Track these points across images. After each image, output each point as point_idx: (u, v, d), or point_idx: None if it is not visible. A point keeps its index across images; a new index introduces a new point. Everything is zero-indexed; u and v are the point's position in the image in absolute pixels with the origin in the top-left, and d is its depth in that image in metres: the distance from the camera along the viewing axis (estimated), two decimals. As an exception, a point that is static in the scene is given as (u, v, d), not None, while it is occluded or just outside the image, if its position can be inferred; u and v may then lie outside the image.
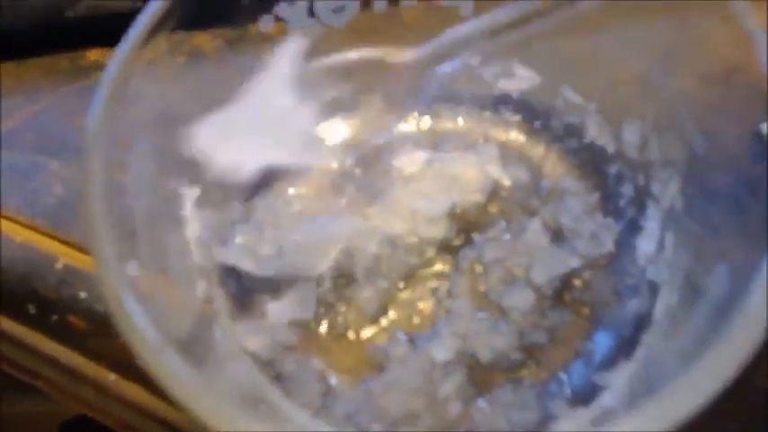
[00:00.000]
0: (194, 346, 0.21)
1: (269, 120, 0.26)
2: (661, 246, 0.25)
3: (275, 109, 0.26)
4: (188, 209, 0.24)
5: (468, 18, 0.27)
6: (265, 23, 0.27)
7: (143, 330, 0.17)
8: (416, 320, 0.27)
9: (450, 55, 0.27)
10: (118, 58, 0.22)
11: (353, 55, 0.28)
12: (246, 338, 0.25)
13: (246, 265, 0.26)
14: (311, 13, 0.28)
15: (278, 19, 0.28)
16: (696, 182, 0.23)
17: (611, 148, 0.28)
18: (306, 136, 0.26)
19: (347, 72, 0.28)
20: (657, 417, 0.16)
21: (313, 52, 0.30)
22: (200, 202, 0.25)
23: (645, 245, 0.26)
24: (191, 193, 0.25)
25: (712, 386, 0.16)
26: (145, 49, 0.26)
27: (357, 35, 0.31)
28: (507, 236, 0.28)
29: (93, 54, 0.36)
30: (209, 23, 0.29)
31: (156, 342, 0.17)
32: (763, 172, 0.19)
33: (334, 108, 0.31)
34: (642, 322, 0.24)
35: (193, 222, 0.24)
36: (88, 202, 0.18)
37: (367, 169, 0.30)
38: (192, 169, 0.26)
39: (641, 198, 0.27)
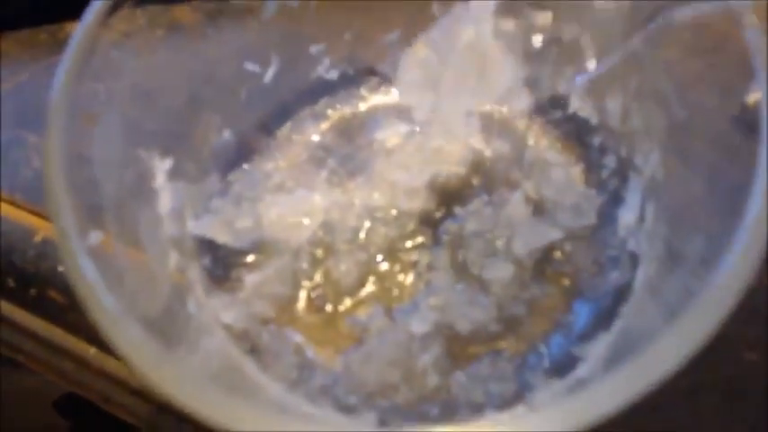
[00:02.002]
0: (167, 320, 0.21)
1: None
2: (642, 217, 0.25)
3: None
4: (160, 181, 0.24)
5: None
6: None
7: (102, 302, 0.17)
8: (395, 293, 0.26)
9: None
10: (80, 30, 0.22)
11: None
12: (222, 311, 0.24)
13: (223, 237, 0.26)
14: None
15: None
16: (676, 152, 0.23)
17: (594, 120, 0.28)
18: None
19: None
20: (631, 380, 0.16)
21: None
22: (174, 175, 0.25)
23: (626, 216, 0.26)
24: (162, 166, 0.24)
25: (684, 350, 0.15)
26: (117, 22, 0.26)
27: (341, 8, 0.30)
28: (488, 208, 0.27)
29: (72, 27, 0.36)
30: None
31: (117, 314, 0.17)
32: (741, 141, 0.18)
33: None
34: (622, 294, 0.24)
35: (166, 195, 0.24)
36: (48, 174, 0.18)
37: (348, 142, 0.30)
38: (165, 141, 0.26)
39: (623, 169, 0.26)
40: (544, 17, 0.23)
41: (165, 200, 0.24)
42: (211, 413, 0.16)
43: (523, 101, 0.24)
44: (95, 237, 0.18)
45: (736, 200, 0.17)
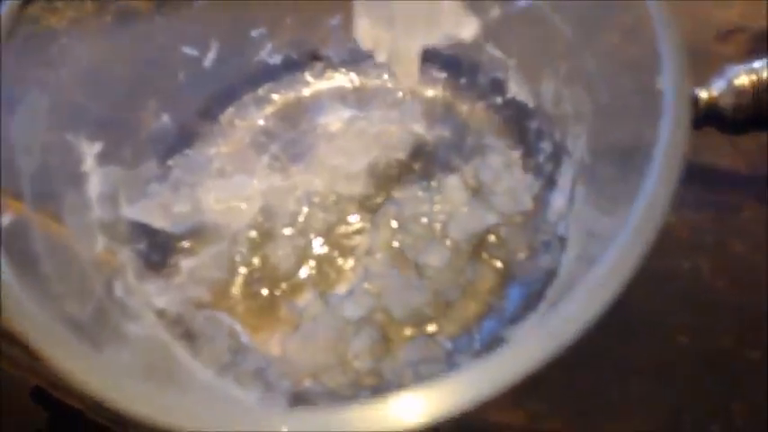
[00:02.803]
0: (88, 306, 0.21)
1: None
2: (571, 201, 0.25)
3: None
4: (89, 164, 0.24)
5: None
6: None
7: (17, 300, 0.16)
8: (333, 278, 0.26)
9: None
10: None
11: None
12: (155, 296, 0.24)
13: (159, 222, 0.26)
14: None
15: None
16: (601, 136, 0.23)
17: (531, 104, 0.28)
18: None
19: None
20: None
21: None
22: (105, 159, 0.25)
23: (558, 200, 0.26)
24: (91, 150, 0.24)
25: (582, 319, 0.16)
26: (65, 8, 0.26)
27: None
28: (427, 193, 0.28)
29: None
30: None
31: (32, 311, 0.16)
32: (649, 127, 0.19)
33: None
34: (550, 276, 0.24)
35: (95, 178, 0.24)
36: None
37: (292, 127, 0.30)
38: (100, 126, 0.26)
39: (558, 154, 0.27)
40: None
41: (95, 183, 0.24)
42: (131, 406, 0.16)
43: (471, 29, 0.25)
44: (8, 218, 0.18)
45: (637, 184, 0.17)
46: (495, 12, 0.25)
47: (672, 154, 0.17)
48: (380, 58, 0.27)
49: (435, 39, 0.26)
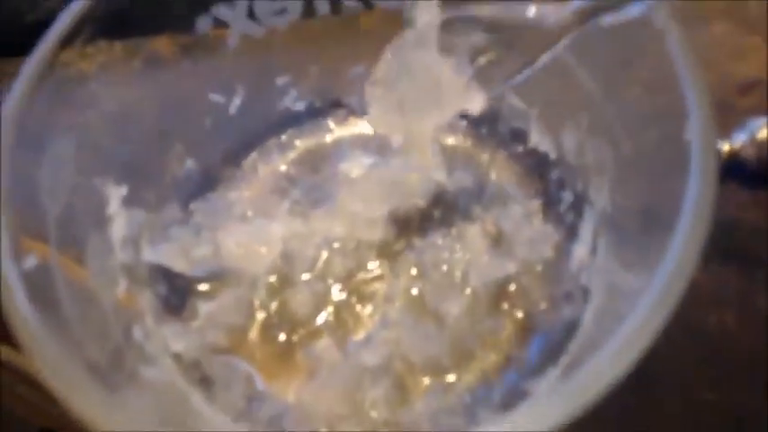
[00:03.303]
0: (107, 349, 0.21)
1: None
2: (594, 251, 0.25)
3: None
4: (114, 207, 0.24)
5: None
6: (203, 25, 0.27)
7: (38, 342, 0.17)
8: (351, 324, 0.26)
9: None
10: (33, 57, 0.23)
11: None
12: (172, 340, 0.24)
13: (179, 265, 0.26)
14: (251, 14, 0.28)
15: (217, 21, 0.28)
16: (624, 188, 0.23)
17: (552, 154, 0.28)
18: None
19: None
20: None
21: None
22: (130, 202, 0.25)
23: (580, 250, 0.26)
24: (117, 193, 0.24)
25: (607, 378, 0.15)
26: (94, 53, 0.27)
27: (309, 41, 0.31)
28: (447, 240, 0.28)
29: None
30: (155, 27, 0.29)
31: (53, 353, 0.17)
32: (676, 179, 0.19)
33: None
34: (572, 328, 0.24)
35: (120, 221, 0.24)
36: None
37: (313, 173, 0.30)
38: (125, 169, 0.26)
39: (579, 204, 0.26)
40: (478, 37, 0.24)
41: (119, 226, 0.24)
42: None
43: (478, 102, 0.25)
44: (32, 260, 0.18)
45: (663, 240, 0.17)
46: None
47: (700, 209, 0.17)
48: (396, 142, 0.27)
49: (446, 117, 0.27)
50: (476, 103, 0.25)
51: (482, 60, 0.24)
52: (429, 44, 0.24)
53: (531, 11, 0.22)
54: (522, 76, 0.24)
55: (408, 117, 0.27)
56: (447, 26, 0.24)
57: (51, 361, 0.16)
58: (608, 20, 0.21)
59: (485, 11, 0.23)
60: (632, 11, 0.20)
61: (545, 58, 0.23)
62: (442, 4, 0.24)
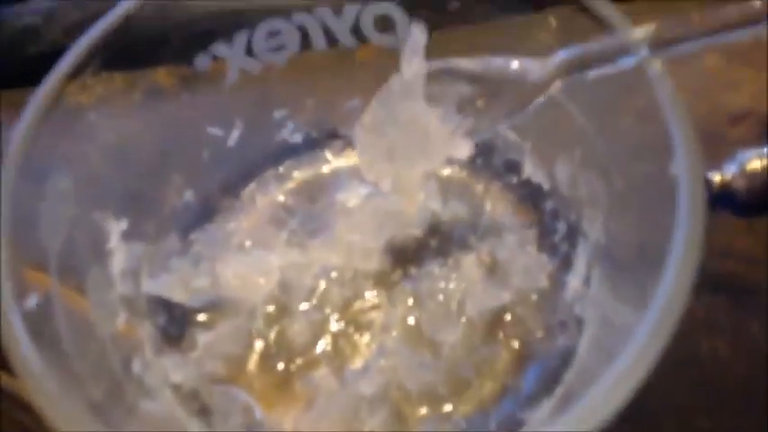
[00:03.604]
0: (106, 388, 0.21)
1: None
2: (587, 281, 0.25)
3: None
4: (114, 242, 0.24)
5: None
6: (201, 63, 0.28)
7: (40, 382, 0.17)
8: (348, 353, 0.26)
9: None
10: (38, 93, 0.23)
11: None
12: (171, 371, 0.25)
13: (178, 296, 0.27)
14: (249, 51, 0.28)
15: (215, 58, 0.28)
16: (616, 220, 0.24)
17: (546, 185, 0.29)
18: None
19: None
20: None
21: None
22: (130, 235, 0.25)
23: (574, 281, 0.26)
24: (117, 227, 0.25)
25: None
26: (94, 84, 0.27)
27: (305, 74, 0.31)
28: (443, 270, 0.28)
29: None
30: (155, 62, 0.29)
31: (52, 390, 0.17)
32: (665, 213, 0.19)
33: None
34: (567, 358, 0.24)
35: (120, 254, 0.25)
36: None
37: (310, 203, 0.31)
38: (124, 202, 0.26)
39: (573, 234, 0.27)
40: (464, 88, 0.25)
41: (119, 260, 0.25)
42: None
43: (465, 149, 0.26)
44: (33, 300, 0.19)
45: (655, 274, 0.17)
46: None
47: (689, 246, 0.17)
48: (385, 188, 0.28)
49: (434, 164, 0.27)
50: (462, 151, 0.25)
51: (469, 109, 0.25)
52: (416, 94, 0.25)
53: (515, 64, 0.23)
54: (508, 123, 0.24)
55: (397, 164, 0.27)
56: (433, 77, 0.25)
57: (51, 399, 0.17)
58: (592, 74, 0.21)
59: (470, 64, 0.24)
60: (618, 65, 0.21)
61: (530, 106, 0.23)
62: (429, 57, 0.25)
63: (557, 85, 0.22)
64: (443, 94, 0.25)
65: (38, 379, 0.17)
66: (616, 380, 0.17)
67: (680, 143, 0.19)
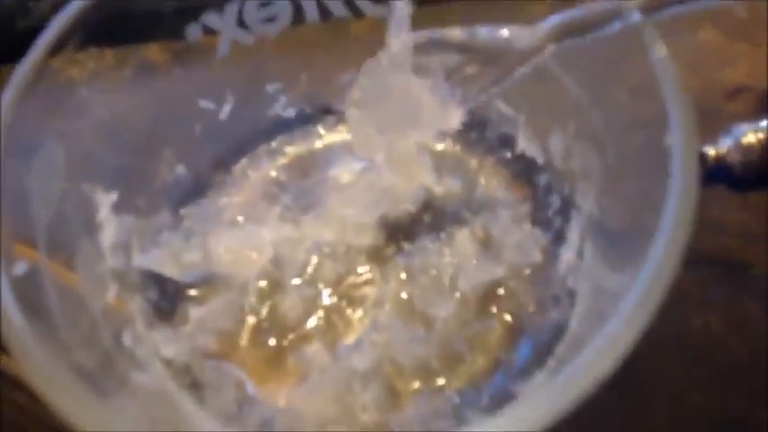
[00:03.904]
0: (97, 354, 0.21)
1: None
2: (581, 255, 0.25)
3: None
4: (104, 214, 0.24)
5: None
6: (193, 33, 0.28)
7: (27, 348, 0.17)
8: (341, 328, 0.26)
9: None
10: (21, 66, 0.23)
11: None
12: (163, 345, 0.24)
13: (169, 270, 0.26)
14: (241, 22, 0.28)
15: (207, 29, 0.28)
16: (609, 192, 0.23)
17: (540, 159, 0.28)
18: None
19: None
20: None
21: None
22: (120, 208, 0.25)
23: (567, 254, 0.26)
24: (107, 200, 0.25)
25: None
26: (85, 59, 0.27)
27: (299, 48, 0.31)
28: (436, 245, 0.28)
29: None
30: (146, 35, 0.29)
31: (41, 358, 0.17)
32: (658, 184, 0.19)
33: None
34: (559, 331, 0.24)
35: (110, 227, 0.24)
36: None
37: (303, 178, 0.31)
38: (116, 176, 0.26)
39: (567, 208, 0.27)
40: (452, 58, 0.24)
41: (109, 233, 0.24)
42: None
43: (457, 118, 0.25)
44: (22, 266, 0.18)
45: (647, 243, 0.17)
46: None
47: (681, 213, 0.17)
48: (379, 161, 0.28)
49: (426, 135, 0.27)
50: (454, 121, 0.25)
51: (458, 78, 0.24)
52: (403, 66, 0.24)
53: (505, 32, 0.23)
54: (500, 88, 0.24)
55: (389, 137, 0.27)
56: (420, 48, 0.25)
57: (41, 367, 0.16)
58: (583, 39, 0.21)
59: (458, 34, 0.24)
60: (607, 30, 0.20)
61: (522, 71, 0.23)
62: (416, 28, 0.24)
63: (549, 50, 0.22)
64: (432, 65, 0.24)
65: (27, 347, 0.17)
66: (604, 345, 0.17)
67: (675, 114, 0.19)
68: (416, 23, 0.27)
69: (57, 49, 0.24)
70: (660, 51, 0.21)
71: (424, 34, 0.25)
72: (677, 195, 0.18)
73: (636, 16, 0.20)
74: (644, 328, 0.16)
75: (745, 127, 0.30)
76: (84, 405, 0.17)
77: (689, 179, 0.19)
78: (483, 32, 0.23)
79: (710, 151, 0.29)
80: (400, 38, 0.25)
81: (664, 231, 0.17)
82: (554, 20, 0.22)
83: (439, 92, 0.24)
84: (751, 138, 0.29)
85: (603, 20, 0.21)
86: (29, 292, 0.19)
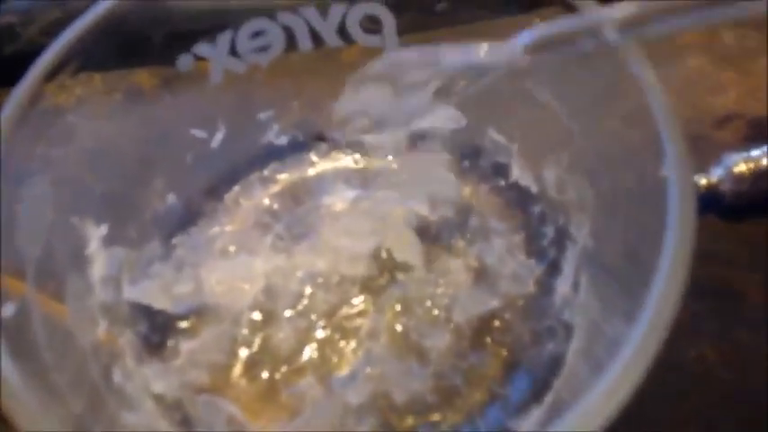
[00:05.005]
0: (84, 395, 0.20)
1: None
2: (576, 287, 0.25)
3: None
4: (94, 247, 0.24)
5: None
6: (185, 63, 0.27)
7: (10, 381, 0.16)
8: (335, 361, 0.26)
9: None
10: (12, 97, 0.22)
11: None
12: (153, 380, 0.24)
13: (160, 303, 0.26)
14: (233, 51, 0.28)
15: (198, 58, 0.28)
16: (604, 224, 0.23)
17: (534, 188, 0.28)
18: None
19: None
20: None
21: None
22: (110, 240, 0.25)
23: (562, 286, 0.26)
24: (97, 232, 0.24)
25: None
26: (74, 85, 0.27)
27: (290, 75, 0.31)
28: (431, 275, 0.28)
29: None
30: (136, 62, 0.29)
31: (24, 395, 0.16)
32: (653, 217, 0.19)
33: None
34: (556, 365, 0.24)
35: (100, 261, 0.24)
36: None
37: (296, 206, 0.30)
38: (105, 206, 0.26)
39: (561, 239, 0.27)
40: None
41: (99, 266, 0.24)
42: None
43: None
44: (10, 309, 0.18)
45: (646, 275, 0.17)
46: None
47: (679, 252, 0.17)
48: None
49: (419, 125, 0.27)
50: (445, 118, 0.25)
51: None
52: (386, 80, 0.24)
53: (483, 49, 0.22)
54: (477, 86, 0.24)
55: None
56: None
57: (30, 415, 0.16)
58: (561, 54, 0.21)
59: (436, 55, 0.23)
60: (585, 46, 0.20)
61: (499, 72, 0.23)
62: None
63: (524, 62, 0.22)
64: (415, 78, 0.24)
65: (16, 395, 0.16)
66: (606, 391, 0.17)
67: (670, 145, 0.19)
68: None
69: (52, 74, 0.23)
70: (649, 78, 0.21)
71: (405, 54, 0.25)
72: (675, 229, 0.18)
73: (613, 34, 0.20)
74: (645, 371, 0.16)
75: (735, 156, 0.30)
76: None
77: (686, 211, 0.19)
78: (462, 50, 0.23)
79: (701, 180, 0.30)
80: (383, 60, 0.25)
81: (662, 272, 0.17)
82: (527, 36, 0.22)
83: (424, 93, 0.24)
84: (742, 167, 0.29)
85: (579, 35, 0.20)
86: (17, 333, 0.18)
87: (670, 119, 0.19)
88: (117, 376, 0.22)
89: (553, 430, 0.16)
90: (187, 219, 0.29)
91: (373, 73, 0.25)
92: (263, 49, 0.28)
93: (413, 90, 0.25)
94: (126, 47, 0.27)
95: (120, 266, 0.25)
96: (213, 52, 0.27)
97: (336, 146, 0.32)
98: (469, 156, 0.30)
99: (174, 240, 0.28)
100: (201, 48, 0.27)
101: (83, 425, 0.17)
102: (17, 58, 0.37)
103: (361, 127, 0.26)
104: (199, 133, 0.29)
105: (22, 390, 0.16)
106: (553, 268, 0.27)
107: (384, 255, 0.28)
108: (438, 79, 0.24)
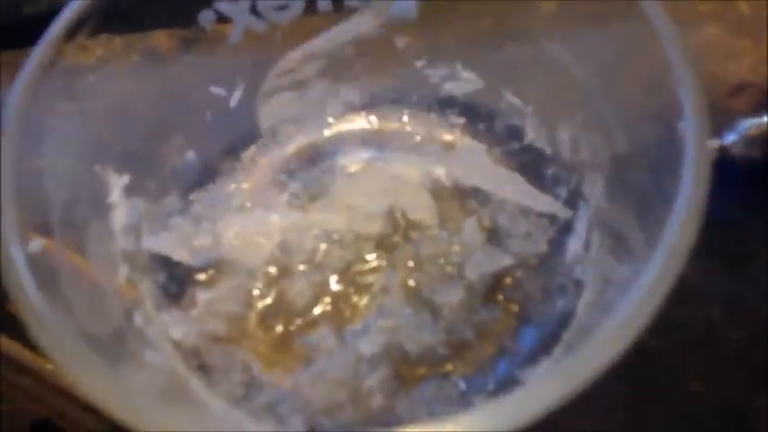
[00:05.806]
0: (110, 332, 0.21)
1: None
2: (588, 245, 0.25)
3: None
4: (115, 196, 0.24)
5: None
6: (206, 20, 0.28)
7: (41, 316, 0.17)
8: (348, 314, 0.27)
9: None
10: (38, 48, 0.23)
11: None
12: (172, 327, 0.25)
13: (179, 254, 0.27)
14: (254, 10, 0.28)
15: (220, 16, 0.28)
16: (618, 183, 0.24)
17: (548, 150, 0.29)
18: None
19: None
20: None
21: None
22: (132, 191, 0.25)
23: (574, 244, 0.26)
24: (119, 182, 0.25)
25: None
26: (94, 46, 0.27)
27: (310, 36, 0.31)
28: (444, 234, 0.28)
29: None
30: (157, 22, 0.29)
31: (54, 326, 0.17)
32: (670, 173, 0.19)
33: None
34: (566, 320, 0.24)
35: (121, 209, 0.24)
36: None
37: (312, 166, 0.31)
38: (127, 159, 0.26)
39: (574, 199, 0.27)
40: None
41: (120, 215, 0.25)
42: (146, 426, 0.16)
43: None
44: (37, 245, 0.19)
45: (656, 235, 0.18)
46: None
47: (692, 205, 0.17)
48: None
49: None
50: None
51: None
52: None
53: None
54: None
55: None
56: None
57: (53, 332, 0.17)
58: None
59: None
60: None
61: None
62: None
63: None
64: None
65: (39, 314, 0.17)
66: (610, 334, 0.17)
67: (688, 102, 0.19)
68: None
69: (70, 35, 0.24)
70: (673, 36, 0.21)
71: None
72: (689, 188, 0.18)
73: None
74: (650, 318, 0.17)
75: (748, 122, 0.30)
76: (94, 370, 0.17)
77: (701, 171, 0.19)
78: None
79: (715, 145, 0.30)
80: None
81: (674, 223, 0.17)
82: None
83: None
84: (755, 132, 0.29)
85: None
86: (43, 269, 0.19)
87: (692, 79, 0.19)
88: (138, 320, 0.23)
89: (563, 365, 0.16)
90: (205, 176, 0.30)
91: None
92: (283, 7, 0.28)
93: None
94: (146, 7, 0.28)
95: (140, 217, 0.26)
96: (234, 10, 0.28)
97: (352, 107, 0.32)
98: (484, 118, 0.30)
99: (192, 196, 0.29)
100: (223, 5, 0.27)
101: (105, 349, 0.18)
102: (36, 18, 0.37)
103: None
104: (218, 91, 0.30)
105: (48, 312, 0.17)
106: (565, 228, 0.27)
107: (398, 214, 0.29)
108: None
